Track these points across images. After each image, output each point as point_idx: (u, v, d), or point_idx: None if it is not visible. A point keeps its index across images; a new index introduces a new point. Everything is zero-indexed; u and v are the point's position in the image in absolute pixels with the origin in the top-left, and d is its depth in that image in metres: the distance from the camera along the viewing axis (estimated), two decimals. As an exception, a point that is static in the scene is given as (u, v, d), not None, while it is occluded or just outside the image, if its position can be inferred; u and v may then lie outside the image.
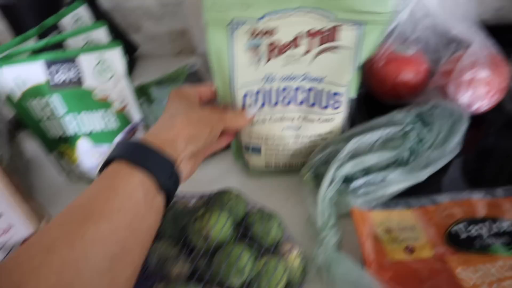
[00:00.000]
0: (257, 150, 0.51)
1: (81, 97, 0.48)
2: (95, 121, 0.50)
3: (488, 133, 0.56)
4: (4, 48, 0.47)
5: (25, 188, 0.48)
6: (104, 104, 0.49)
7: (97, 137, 0.52)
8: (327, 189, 0.44)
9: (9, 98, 0.48)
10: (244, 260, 0.38)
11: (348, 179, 0.45)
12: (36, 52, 0.47)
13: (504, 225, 0.41)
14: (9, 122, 0.61)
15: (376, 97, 0.60)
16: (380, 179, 0.45)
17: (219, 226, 0.40)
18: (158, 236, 0.41)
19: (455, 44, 0.55)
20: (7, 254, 0.45)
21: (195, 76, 0.71)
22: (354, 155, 0.46)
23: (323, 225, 0.42)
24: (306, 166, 0.48)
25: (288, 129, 0.49)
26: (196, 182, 0.44)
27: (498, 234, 0.40)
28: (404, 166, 0.46)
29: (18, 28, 0.66)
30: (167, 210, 0.38)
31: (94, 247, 0.27)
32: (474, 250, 0.39)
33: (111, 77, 0.47)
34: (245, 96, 0.45)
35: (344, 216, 0.44)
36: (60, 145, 0.54)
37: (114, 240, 0.28)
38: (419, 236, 0.41)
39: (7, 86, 0.47)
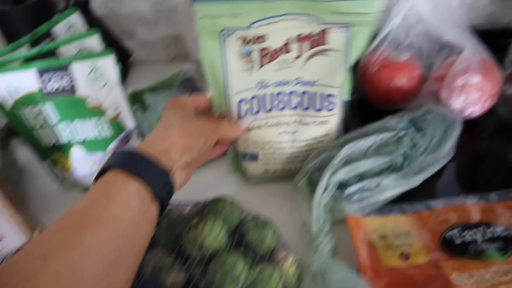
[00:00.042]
0: (254, 157, 0.51)
1: (74, 105, 0.48)
2: (89, 129, 0.50)
3: (481, 138, 0.56)
4: (-4, 56, 0.47)
5: (18, 197, 0.48)
6: (97, 112, 0.48)
7: (91, 145, 0.51)
8: (322, 196, 0.44)
9: (1, 106, 0.48)
10: (239, 269, 0.38)
11: (342, 185, 0.45)
12: (28, 60, 0.47)
13: (498, 230, 0.41)
14: (2, 130, 0.60)
15: (369, 103, 0.61)
16: (374, 185, 0.45)
17: (214, 235, 0.40)
18: (153, 245, 0.41)
19: (448, 50, 0.55)
20: (-1, 264, 0.44)
21: (189, 82, 0.70)
22: (348, 161, 0.46)
23: (318, 232, 0.42)
24: (300, 173, 0.48)
25: (284, 134, 0.49)
26: (191, 190, 0.43)
27: (492, 239, 0.40)
28: (398, 172, 0.46)
29: (11, 35, 0.65)
30: (162, 218, 0.38)
31: (90, 255, 0.27)
32: (469, 255, 0.39)
33: (104, 85, 0.47)
34: (239, 102, 0.46)
35: (338, 222, 0.44)
36: (54, 153, 0.53)
37: (110, 248, 0.29)
38: (413, 242, 0.41)
39: (-1, 94, 0.47)
